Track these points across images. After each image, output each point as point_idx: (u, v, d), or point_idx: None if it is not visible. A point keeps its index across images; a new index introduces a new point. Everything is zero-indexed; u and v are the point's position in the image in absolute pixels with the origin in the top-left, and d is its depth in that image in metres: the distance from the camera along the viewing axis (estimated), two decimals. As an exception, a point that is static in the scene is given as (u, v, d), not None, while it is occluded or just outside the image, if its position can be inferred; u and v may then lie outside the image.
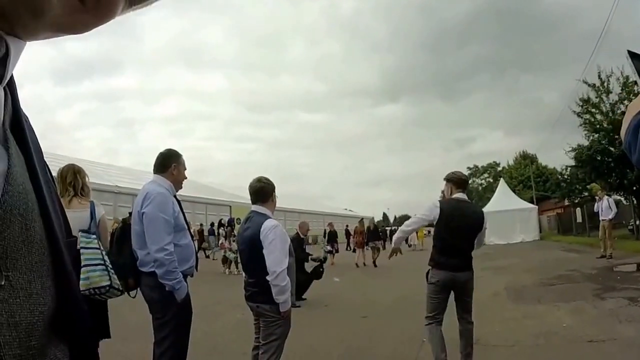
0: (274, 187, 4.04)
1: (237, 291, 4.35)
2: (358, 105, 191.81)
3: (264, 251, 3.60)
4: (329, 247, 20.50)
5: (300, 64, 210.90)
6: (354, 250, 21.90)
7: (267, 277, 3.56)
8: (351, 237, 28.83)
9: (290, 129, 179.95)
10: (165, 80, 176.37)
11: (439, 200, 4.92)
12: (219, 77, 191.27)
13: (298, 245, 10.75)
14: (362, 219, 26.90)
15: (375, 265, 19.05)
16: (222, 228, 29.14)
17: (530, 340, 5.90)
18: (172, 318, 3.49)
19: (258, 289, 3.72)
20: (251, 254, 3.77)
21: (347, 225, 43.51)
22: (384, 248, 21.61)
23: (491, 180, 73.97)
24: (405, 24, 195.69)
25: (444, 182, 4.89)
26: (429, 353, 5.56)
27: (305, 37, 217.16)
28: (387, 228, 46.32)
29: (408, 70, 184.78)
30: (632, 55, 1.11)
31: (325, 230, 29.39)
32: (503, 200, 33.18)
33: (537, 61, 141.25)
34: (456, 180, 4.80)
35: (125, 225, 4.12)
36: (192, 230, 4.14)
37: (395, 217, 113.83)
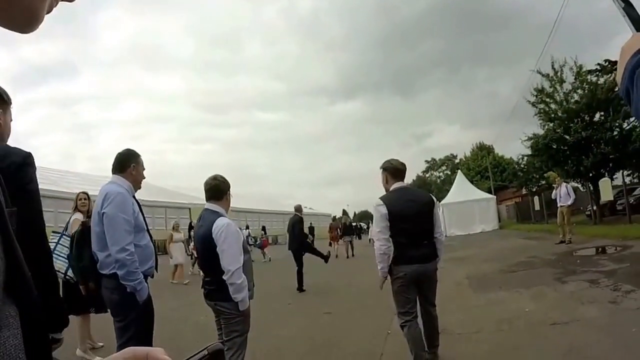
0: (229, 186, 4.01)
1: (199, 293, 4.21)
2: (315, 104, 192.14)
3: (218, 250, 3.58)
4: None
5: (257, 63, 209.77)
6: (330, 244, 23.80)
7: (223, 276, 3.54)
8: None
9: (247, 129, 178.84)
10: (121, 83, 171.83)
11: (380, 199, 4.47)
12: (176, 78, 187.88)
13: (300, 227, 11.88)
14: (336, 216, 28.31)
15: (353, 256, 22.08)
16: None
17: (493, 327, 5.90)
18: (134, 320, 3.46)
19: (215, 287, 3.70)
20: (206, 253, 3.75)
21: (310, 223, 43.78)
22: (359, 238, 27.25)
23: (449, 173, 75.52)
24: (361, 22, 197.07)
25: (380, 171, 4.67)
26: (395, 345, 5.52)
27: (262, 36, 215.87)
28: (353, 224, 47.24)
29: (364, 68, 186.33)
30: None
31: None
32: (461, 192, 34.04)
33: (492, 55, 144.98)
34: (391, 170, 4.59)
35: (85, 227, 4.07)
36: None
37: (355, 213, 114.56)
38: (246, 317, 3.72)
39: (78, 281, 4.39)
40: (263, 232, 27.87)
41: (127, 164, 3.74)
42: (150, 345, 3.46)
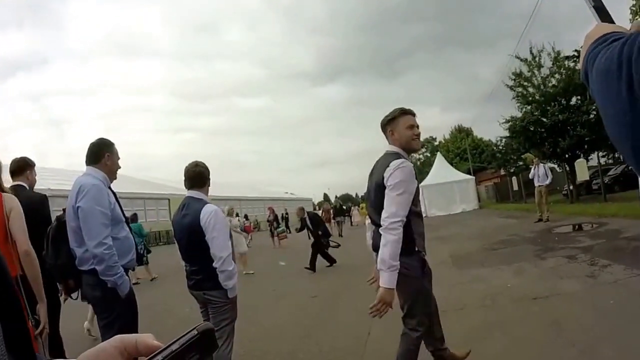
0: (209, 172, 3.90)
1: (181, 286, 4.18)
2: (297, 88, 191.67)
3: (207, 237, 3.50)
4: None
5: (238, 49, 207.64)
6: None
7: (214, 264, 3.49)
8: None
9: (229, 116, 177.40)
10: (97, 73, 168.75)
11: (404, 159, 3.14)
12: (154, 67, 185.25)
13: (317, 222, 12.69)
14: (326, 200, 29.59)
15: (341, 236, 22.97)
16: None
17: (477, 302, 6.04)
18: (118, 316, 3.35)
19: (203, 276, 3.61)
20: (192, 242, 3.63)
21: (285, 210, 43.84)
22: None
23: (429, 155, 75.77)
24: (344, 5, 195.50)
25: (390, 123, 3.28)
26: (381, 324, 5.57)
27: (243, 21, 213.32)
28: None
29: (348, 51, 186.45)
30: None
31: (283, 214, 31.92)
32: (441, 173, 34.38)
33: (474, 39, 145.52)
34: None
35: (60, 223, 3.81)
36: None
37: (335, 196, 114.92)
38: (234, 305, 3.69)
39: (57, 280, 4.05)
40: (245, 218, 29.29)
41: (101, 154, 3.56)
42: None
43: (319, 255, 11.91)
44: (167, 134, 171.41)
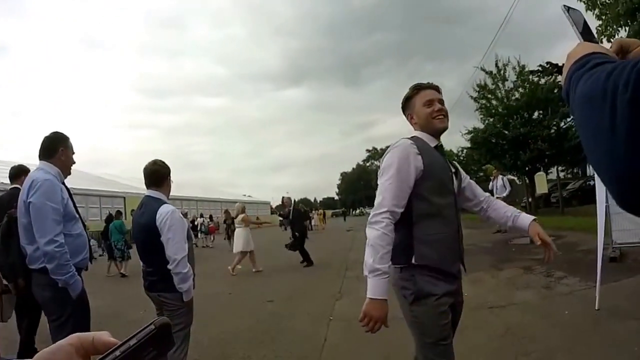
0: (170, 171, 3.82)
1: (136, 288, 4.07)
2: (260, 89, 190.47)
3: (162, 238, 3.43)
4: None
5: (202, 46, 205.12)
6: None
7: (168, 266, 3.41)
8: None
9: (189, 115, 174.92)
10: (54, 64, 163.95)
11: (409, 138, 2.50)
12: (114, 60, 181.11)
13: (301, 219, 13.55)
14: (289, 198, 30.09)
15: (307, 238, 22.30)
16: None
17: (436, 310, 6.10)
18: (69, 318, 3.24)
19: (158, 278, 3.55)
20: (148, 242, 3.56)
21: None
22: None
23: (390, 163, 76.33)
24: (312, 8, 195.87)
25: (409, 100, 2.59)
26: (337, 331, 5.64)
27: (208, 18, 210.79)
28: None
29: (313, 54, 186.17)
30: (568, 8, 1.17)
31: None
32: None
33: (440, 50, 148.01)
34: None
35: (11, 219, 3.76)
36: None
37: (294, 200, 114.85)
38: (190, 309, 3.62)
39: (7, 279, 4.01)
40: (210, 219, 29.07)
41: (55, 148, 3.48)
42: None
43: (291, 251, 12.59)
44: (124, 130, 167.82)
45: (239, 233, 12.34)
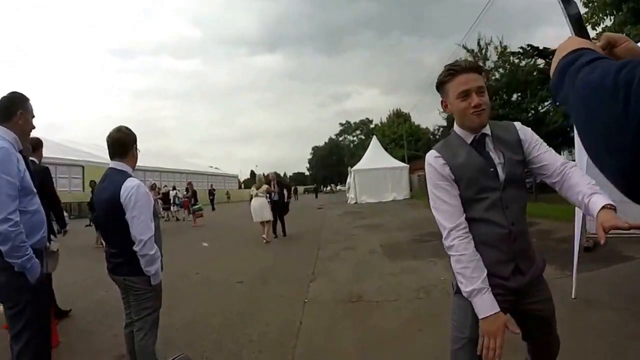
0: (135, 139, 3.59)
1: (98, 264, 3.96)
2: (234, 54, 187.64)
3: (127, 217, 3.25)
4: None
5: (175, 4, 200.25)
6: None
7: (134, 247, 3.26)
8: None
9: (156, 77, 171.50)
10: (11, 16, 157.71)
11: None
12: (80, 12, 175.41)
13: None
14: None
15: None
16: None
17: (411, 294, 6.23)
18: (27, 305, 3.01)
19: (123, 260, 3.38)
20: (112, 221, 3.36)
21: (211, 185, 43.18)
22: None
23: (363, 137, 76.55)
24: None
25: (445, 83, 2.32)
26: (313, 314, 5.67)
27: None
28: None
29: (291, 20, 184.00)
30: (564, 0, 1.21)
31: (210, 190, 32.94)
32: (375, 158, 34.82)
33: (423, 24, 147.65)
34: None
35: None
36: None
37: (263, 174, 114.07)
38: (158, 292, 3.50)
39: None
40: (186, 191, 27.37)
41: (14, 110, 3.18)
42: (48, 331, 3.27)
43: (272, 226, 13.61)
44: (88, 91, 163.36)
45: (260, 203, 13.35)
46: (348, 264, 8.91)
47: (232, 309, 6.16)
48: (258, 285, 7.60)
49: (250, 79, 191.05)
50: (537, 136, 2.36)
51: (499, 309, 2.09)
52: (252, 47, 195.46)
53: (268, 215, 13.32)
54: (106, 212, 3.39)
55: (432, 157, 2.32)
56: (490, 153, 2.27)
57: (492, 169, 2.24)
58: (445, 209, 2.23)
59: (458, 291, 2.27)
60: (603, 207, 1.93)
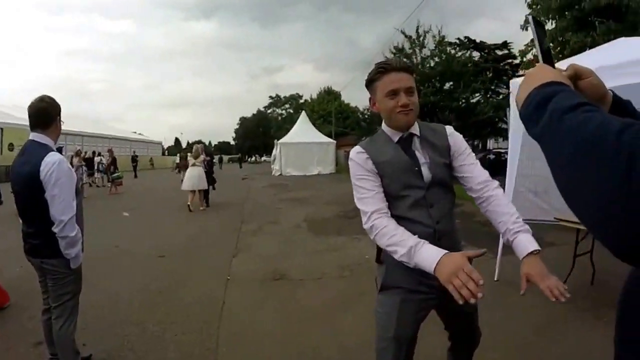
0: (60, 110, 3.33)
1: (15, 235, 3.60)
2: (169, 16, 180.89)
3: (47, 195, 3.03)
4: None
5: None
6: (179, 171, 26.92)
7: (53, 228, 3.03)
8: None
9: (86, 37, 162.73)
10: None
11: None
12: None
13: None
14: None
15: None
16: None
17: (336, 272, 6.27)
18: None
19: (40, 241, 3.14)
20: (29, 198, 3.10)
21: (134, 151, 41.70)
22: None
23: (292, 112, 76.40)
24: None
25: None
26: (236, 292, 5.57)
27: None
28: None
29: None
30: (536, 22, 1.21)
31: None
32: (302, 133, 35.05)
33: (363, 2, 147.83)
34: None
35: None
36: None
37: (188, 142, 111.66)
38: (78, 276, 3.31)
39: None
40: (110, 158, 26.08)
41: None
42: None
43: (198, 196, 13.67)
44: (7, 47, 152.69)
45: (199, 172, 13.50)
46: (272, 239, 8.85)
47: (153, 286, 5.94)
48: (180, 259, 7.38)
49: (184, 44, 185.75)
50: (467, 145, 2.40)
51: (447, 251, 1.93)
52: (188, 10, 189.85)
53: (204, 184, 13.71)
54: (24, 188, 3.12)
55: (355, 153, 2.31)
56: (417, 152, 2.25)
57: (416, 168, 2.22)
58: (368, 196, 2.20)
59: (382, 289, 2.28)
60: (530, 253, 2.00)
